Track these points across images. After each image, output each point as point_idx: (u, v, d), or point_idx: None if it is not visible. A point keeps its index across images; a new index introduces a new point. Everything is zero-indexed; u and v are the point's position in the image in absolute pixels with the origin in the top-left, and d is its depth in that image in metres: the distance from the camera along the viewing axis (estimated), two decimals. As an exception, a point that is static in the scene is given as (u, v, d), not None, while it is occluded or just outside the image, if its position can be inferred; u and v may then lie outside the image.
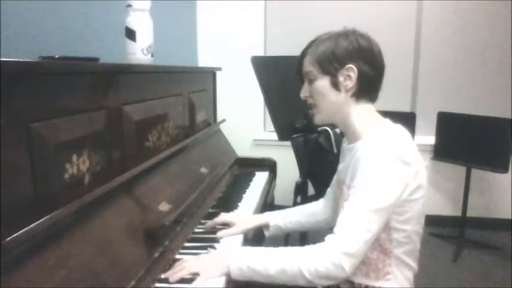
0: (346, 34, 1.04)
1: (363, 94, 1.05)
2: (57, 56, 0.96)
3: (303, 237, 1.87)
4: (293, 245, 1.23)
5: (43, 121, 0.77)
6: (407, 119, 2.58)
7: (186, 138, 1.55)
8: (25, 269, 0.67)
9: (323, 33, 1.09)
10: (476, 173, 2.73)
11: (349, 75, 1.03)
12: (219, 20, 3.07)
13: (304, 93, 1.12)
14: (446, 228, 2.92)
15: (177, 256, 1.07)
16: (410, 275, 1.07)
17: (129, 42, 1.27)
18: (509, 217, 2.97)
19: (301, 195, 1.87)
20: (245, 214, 1.41)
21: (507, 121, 2.42)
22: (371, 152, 0.96)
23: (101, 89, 1.00)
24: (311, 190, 1.96)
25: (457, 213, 2.82)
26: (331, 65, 1.03)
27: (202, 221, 1.31)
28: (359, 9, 2.91)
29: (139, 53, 1.27)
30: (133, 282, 0.88)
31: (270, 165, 2.03)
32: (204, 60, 3.10)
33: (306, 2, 3.00)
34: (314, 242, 0.98)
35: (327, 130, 1.97)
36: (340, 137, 1.82)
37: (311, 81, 1.08)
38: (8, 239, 0.64)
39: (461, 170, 2.73)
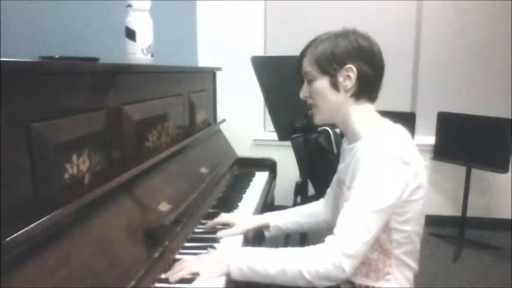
0: (345, 34, 1.04)
1: (362, 94, 1.05)
2: (57, 56, 0.95)
3: (303, 237, 1.87)
4: (293, 245, 1.23)
5: (43, 121, 0.77)
6: (407, 119, 2.59)
7: (186, 138, 1.55)
8: (25, 269, 0.67)
9: (322, 33, 1.08)
10: (476, 173, 2.73)
11: (349, 75, 1.02)
12: (219, 20, 3.07)
13: (303, 93, 1.12)
14: (446, 228, 2.92)
15: (177, 256, 1.07)
16: (410, 275, 1.08)
17: (129, 42, 1.27)
18: (509, 217, 2.97)
19: (301, 196, 1.87)
20: (245, 214, 1.41)
21: (507, 121, 2.42)
22: (371, 152, 0.96)
23: (101, 89, 1.00)
24: (311, 190, 1.96)
25: (457, 213, 2.82)
26: (330, 65, 1.03)
27: (202, 221, 1.31)
28: (359, 9, 2.91)
29: (139, 53, 1.27)
30: (133, 282, 0.88)
31: (270, 165, 2.03)
32: (204, 60, 3.09)
33: (306, 2, 3.00)
34: (314, 243, 0.98)
35: (327, 130, 1.97)
36: (340, 137, 1.81)
37: (310, 82, 1.08)
38: (8, 239, 0.64)
39: (461, 170, 2.73)
